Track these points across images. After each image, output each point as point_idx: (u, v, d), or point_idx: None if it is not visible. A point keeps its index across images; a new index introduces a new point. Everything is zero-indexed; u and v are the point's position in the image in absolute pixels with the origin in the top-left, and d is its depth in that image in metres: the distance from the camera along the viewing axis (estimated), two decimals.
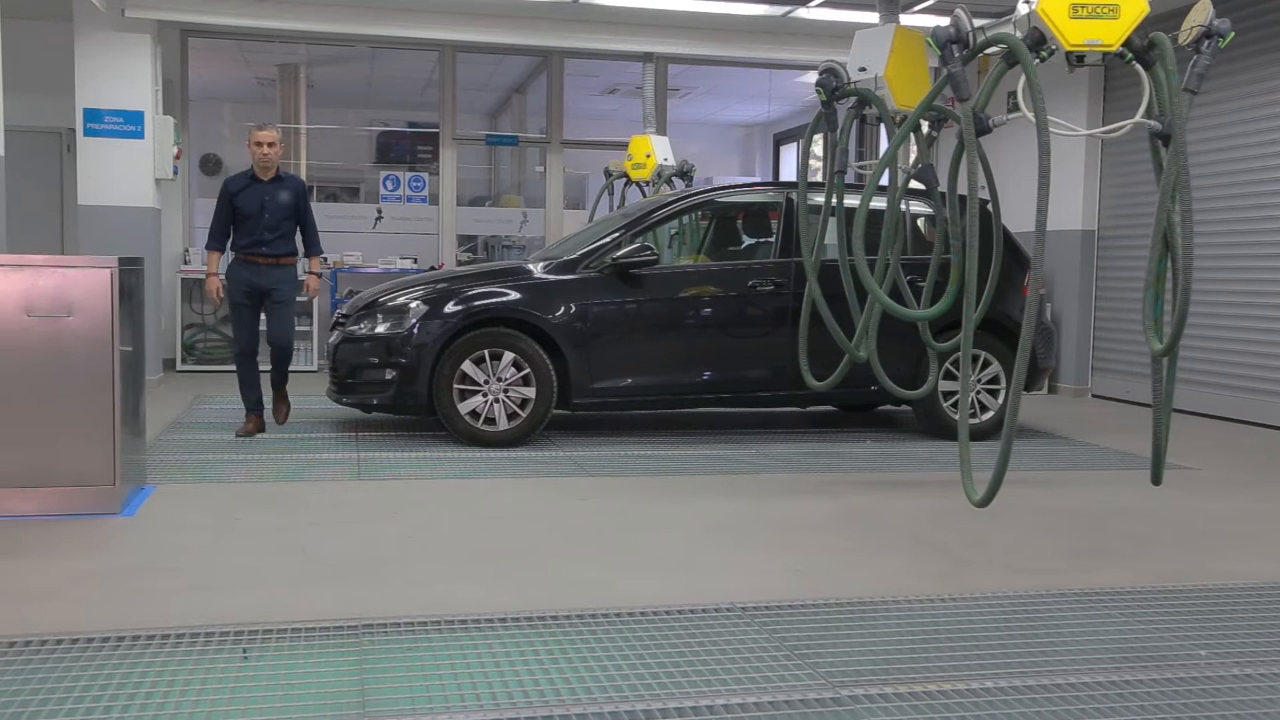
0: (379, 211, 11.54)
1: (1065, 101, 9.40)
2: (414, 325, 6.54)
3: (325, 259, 6.73)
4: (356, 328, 6.71)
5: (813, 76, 12.52)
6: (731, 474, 5.99)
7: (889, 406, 8.11)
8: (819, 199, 6.31)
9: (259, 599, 3.66)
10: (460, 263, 11.53)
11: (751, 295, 6.94)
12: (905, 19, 6.80)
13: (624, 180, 10.70)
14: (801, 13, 9.18)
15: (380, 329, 6.62)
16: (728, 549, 4.45)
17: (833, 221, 5.88)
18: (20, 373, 4.59)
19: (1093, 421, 8.24)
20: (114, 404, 4.68)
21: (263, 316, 6.88)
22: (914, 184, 5.72)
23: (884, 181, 5.58)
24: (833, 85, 5.52)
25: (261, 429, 6.79)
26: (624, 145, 10.78)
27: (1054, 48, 4.13)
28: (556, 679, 2.99)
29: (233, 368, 7.00)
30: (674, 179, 10.11)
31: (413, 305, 6.63)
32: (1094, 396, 9.79)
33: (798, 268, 6.89)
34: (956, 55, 4.27)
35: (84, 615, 3.45)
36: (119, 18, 8.95)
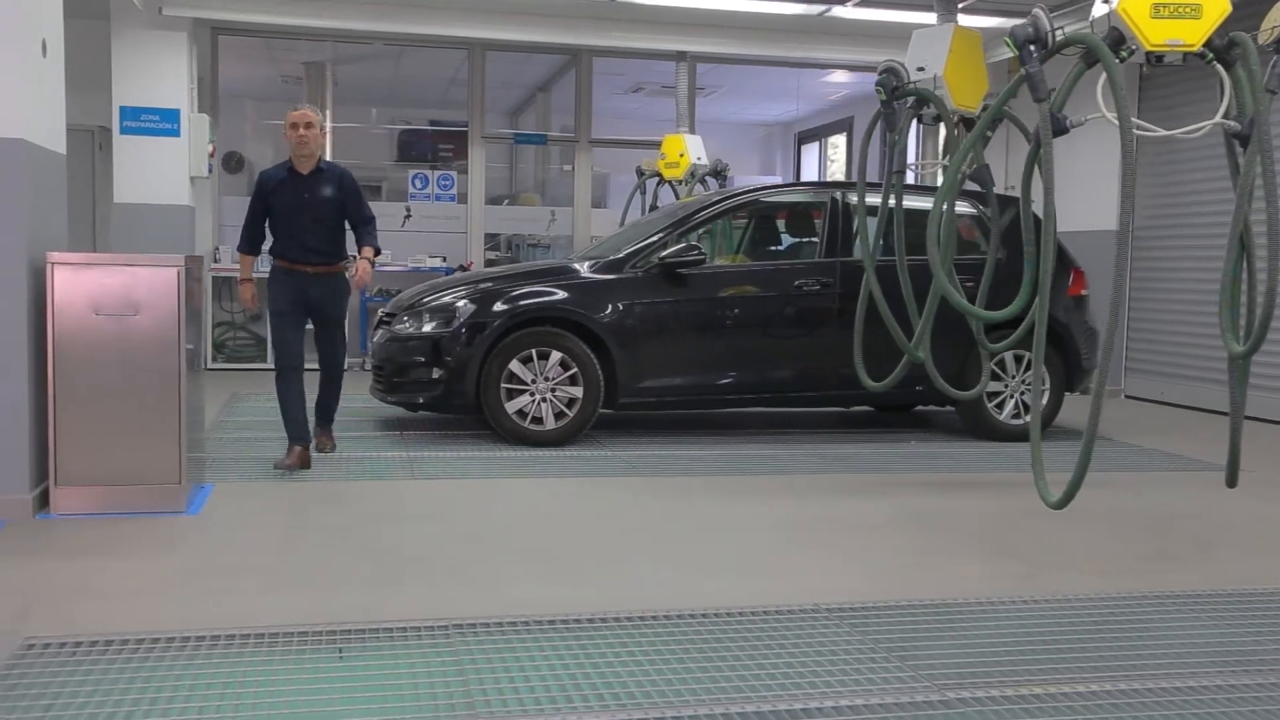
0: (407, 210, 11.51)
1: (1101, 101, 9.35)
2: (461, 325, 6.52)
3: (379, 251, 6.07)
4: (403, 327, 6.70)
5: (841, 76, 12.62)
6: (783, 474, 5.98)
7: (931, 406, 8.07)
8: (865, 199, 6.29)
9: (342, 598, 3.65)
10: (489, 262, 11.50)
11: (798, 295, 6.92)
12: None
13: (656, 179, 10.67)
14: (838, 11, 9.14)
15: (427, 328, 6.61)
16: (796, 549, 4.44)
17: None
18: (88, 371, 4.57)
19: (1131, 423, 8.21)
20: (180, 402, 4.67)
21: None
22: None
23: (934, 182, 5.56)
24: (893, 85, 5.51)
25: (307, 464, 5.67)
26: (650, 144, 10.75)
27: (1134, 48, 4.11)
28: (659, 679, 2.98)
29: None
30: (707, 178, 10.09)
31: (459, 304, 6.61)
32: (1127, 397, 9.77)
33: (844, 268, 6.88)
34: (1034, 55, 4.25)
35: (172, 613, 3.44)
36: (156, 15, 8.95)
